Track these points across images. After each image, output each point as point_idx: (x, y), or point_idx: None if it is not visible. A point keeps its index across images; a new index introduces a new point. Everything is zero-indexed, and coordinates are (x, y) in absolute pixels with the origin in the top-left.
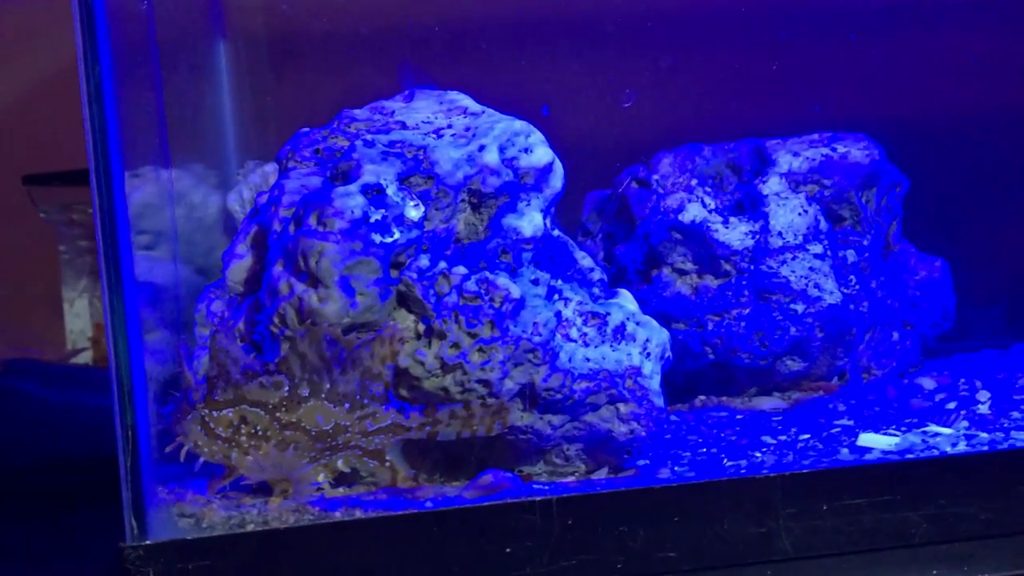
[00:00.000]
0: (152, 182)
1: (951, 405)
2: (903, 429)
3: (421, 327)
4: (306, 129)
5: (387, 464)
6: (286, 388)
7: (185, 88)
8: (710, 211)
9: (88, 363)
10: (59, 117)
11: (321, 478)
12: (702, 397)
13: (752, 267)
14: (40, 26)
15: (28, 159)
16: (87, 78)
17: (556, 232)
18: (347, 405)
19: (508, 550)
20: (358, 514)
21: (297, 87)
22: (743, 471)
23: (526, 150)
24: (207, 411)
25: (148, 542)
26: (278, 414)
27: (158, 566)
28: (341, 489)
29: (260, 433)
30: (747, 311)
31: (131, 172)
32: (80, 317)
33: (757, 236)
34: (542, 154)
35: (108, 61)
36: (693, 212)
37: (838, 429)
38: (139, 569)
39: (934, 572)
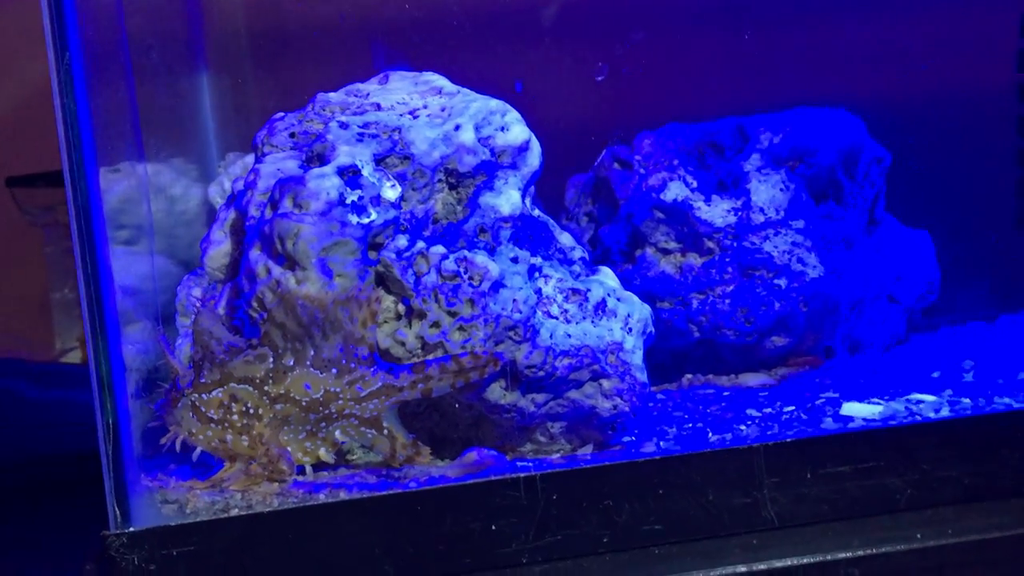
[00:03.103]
0: (130, 177)
1: (936, 375)
2: (887, 399)
3: (401, 307)
4: (281, 114)
5: (385, 432)
6: (271, 360)
7: (162, 81)
8: (692, 190)
9: (77, 363)
10: (42, 118)
11: (322, 453)
12: (689, 376)
13: (735, 244)
14: (23, 28)
15: (11, 161)
16: (57, 69)
17: (536, 212)
18: (334, 371)
19: (493, 527)
20: (342, 495)
21: (277, 77)
22: (727, 443)
23: (502, 128)
24: (196, 395)
25: (132, 529)
26: (266, 387)
27: (142, 553)
28: (327, 472)
29: (251, 411)
30: (731, 288)
31: (109, 168)
32: (68, 317)
33: (739, 213)
34: (518, 132)
35: (78, 51)
36: (675, 191)
37: (823, 401)
38: (123, 556)
39: (918, 535)
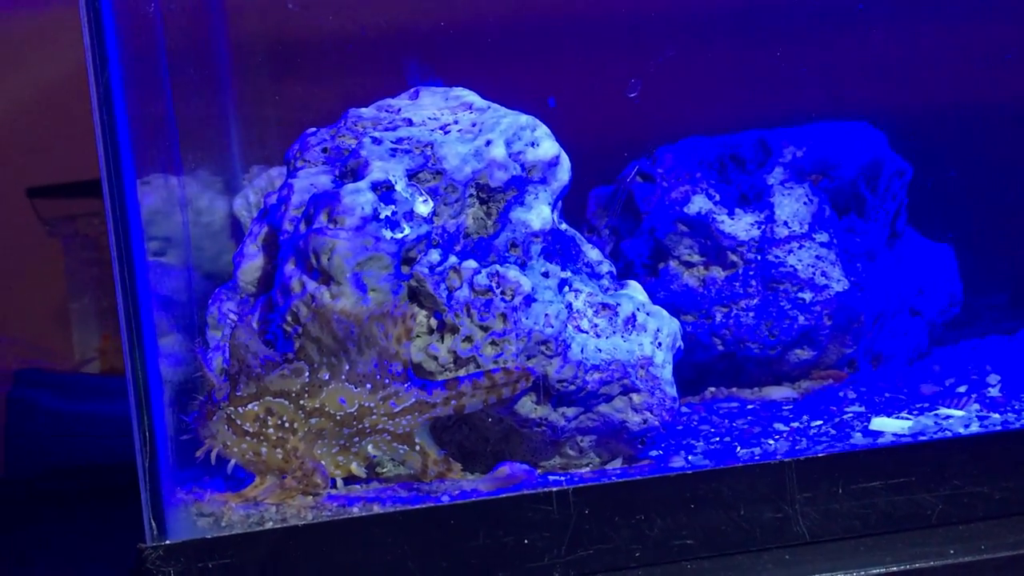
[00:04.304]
0: (159, 189)
1: (962, 389)
2: (915, 413)
3: (434, 322)
4: (313, 129)
5: (417, 448)
6: (307, 374)
7: (188, 95)
8: (715, 203)
9: (96, 373)
10: (63, 129)
11: (354, 467)
12: (712, 389)
13: (759, 257)
14: (41, 37)
15: (33, 171)
16: (96, 82)
17: (564, 226)
18: (368, 386)
19: (526, 541)
20: (376, 509)
21: (302, 90)
22: (757, 458)
23: (532, 144)
24: (232, 408)
25: (168, 542)
26: (302, 401)
27: (178, 566)
28: (359, 486)
29: (287, 424)
30: (755, 301)
31: (141, 180)
32: (87, 328)
33: (763, 226)
34: (548, 147)
35: (117, 65)
36: (698, 204)
37: (850, 415)
38: (160, 569)
39: (951, 551)
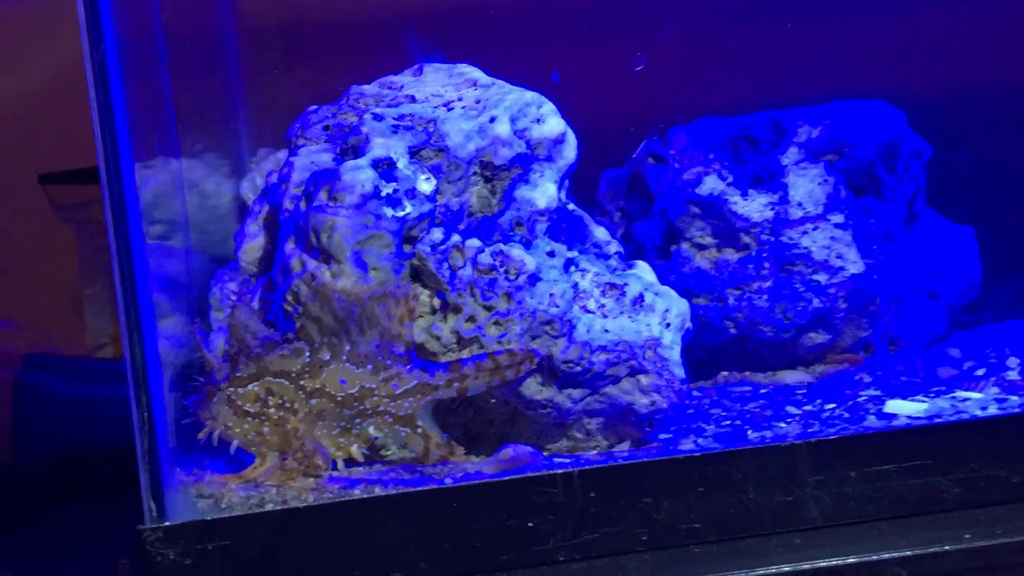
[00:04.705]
0: (164, 171)
1: (980, 372)
2: (932, 396)
3: (436, 301)
4: (314, 107)
5: (419, 430)
6: (307, 354)
7: (193, 76)
8: (728, 184)
9: (109, 358)
10: (75, 114)
11: (354, 450)
12: (724, 373)
13: (772, 239)
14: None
15: (43, 157)
16: (91, 59)
17: (571, 206)
18: (370, 367)
19: (530, 524)
20: (378, 491)
21: (311, 72)
22: (768, 440)
23: (538, 120)
24: (232, 389)
25: (167, 524)
26: (302, 382)
27: (178, 547)
28: (361, 468)
29: (287, 405)
30: (768, 284)
31: (143, 163)
32: (100, 314)
33: (776, 207)
34: (554, 124)
35: (112, 42)
36: (711, 185)
37: (864, 398)
38: (159, 551)
39: (967, 536)
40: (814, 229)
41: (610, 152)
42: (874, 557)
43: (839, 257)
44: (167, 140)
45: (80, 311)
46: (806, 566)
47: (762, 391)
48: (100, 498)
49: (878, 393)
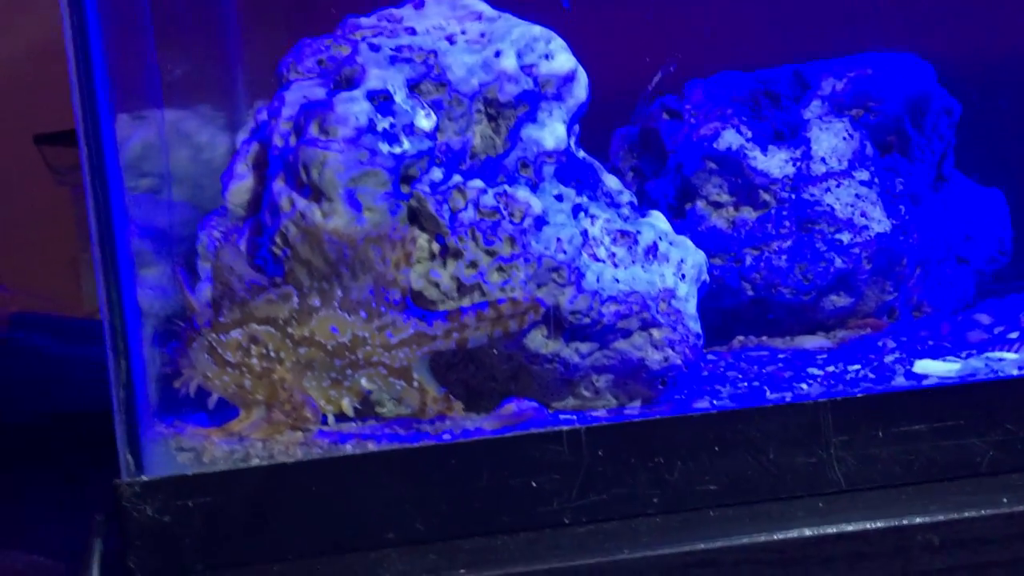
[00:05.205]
0: (153, 124)
1: (1013, 335)
2: (964, 355)
3: (435, 246)
4: (308, 39)
5: (415, 384)
6: (295, 299)
7: (190, 27)
8: (747, 139)
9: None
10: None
11: (345, 404)
12: (741, 337)
13: (793, 196)
14: None
15: (40, 117)
16: (70, 13)
17: (581, 153)
18: (363, 314)
19: (534, 484)
20: (371, 447)
21: (313, 20)
22: (789, 400)
23: (546, 56)
24: (214, 335)
25: (144, 478)
26: (289, 329)
27: (156, 503)
28: (354, 424)
29: (273, 354)
30: (788, 243)
31: (131, 115)
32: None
33: (798, 163)
34: (564, 61)
35: None
36: (728, 139)
37: (892, 359)
38: (135, 507)
39: (1004, 500)
40: (837, 186)
41: (623, 111)
42: (904, 522)
43: (863, 215)
44: (153, 91)
45: (77, 275)
46: (831, 530)
47: (780, 356)
48: (89, 457)
49: (904, 357)
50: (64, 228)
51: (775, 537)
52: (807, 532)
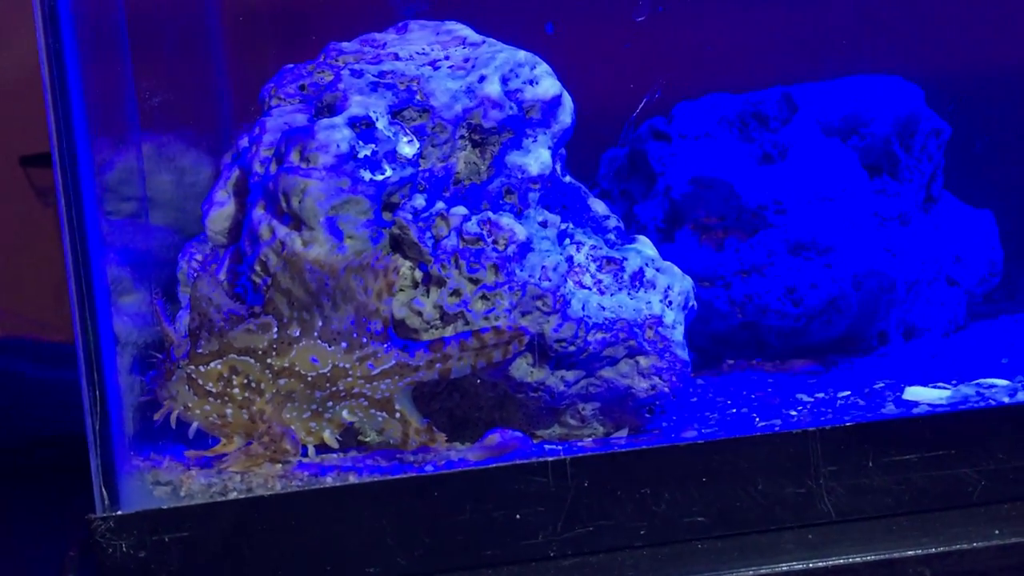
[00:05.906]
0: (135, 148)
1: (1004, 360)
2: (954, 382)
3: (418, 274)
4: (290, 65)
5: (397, 415)
6: (274, 329)
7: (174, 50)
8: (736, 161)
9: None
10: None
11: (326, 436)
12: (730, 361)
13: (782, 219)
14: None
15: (27, 141)
16: (45, 37)
17: (568, 178)
18: (344, 344)
19: (518, 516)
20: (352, 479)
21: (298, 44)
22: (778, 428)
23: (531, 82)
24: (193, 367)
25: (120, 513)
26: (269, 360)
27: (131, 538)
28: (335, 455)
29: (253, 384)
30: (777, 267)
31: (112, 139)
32: None
33: (787, 186)
34: (549, 86)
35: (68, 21)
36: (717, 162)
37: (881, 386)
38: (110, 542)
39: (996, 532)
40: (826, 209)
41: (611, 133)
42: (895, 554)
43: (852, 238)
44: (132, 116)
45: (63, 298)
46: (820, 564)
47: (770, 380)
48: (71, 484)
49: (894, 382)
50: (50, 251)
51: (764, 570)
52: (797, 565)
